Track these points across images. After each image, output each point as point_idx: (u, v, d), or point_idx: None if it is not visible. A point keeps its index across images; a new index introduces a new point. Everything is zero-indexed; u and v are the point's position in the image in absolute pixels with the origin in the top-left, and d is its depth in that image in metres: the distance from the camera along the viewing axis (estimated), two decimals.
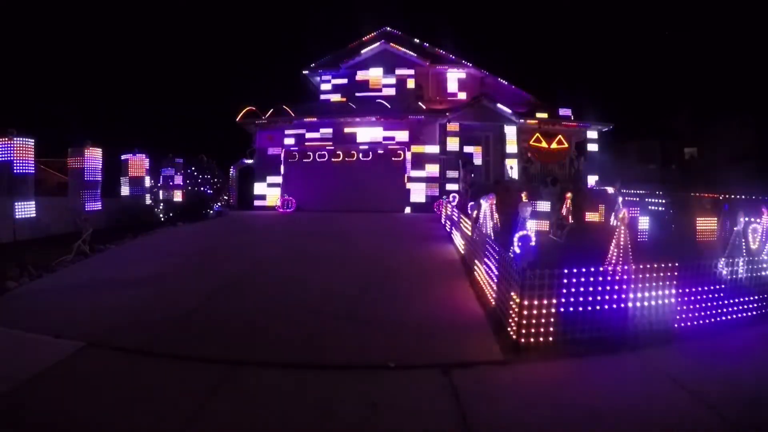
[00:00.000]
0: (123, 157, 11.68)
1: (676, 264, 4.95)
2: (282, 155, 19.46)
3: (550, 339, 4.51)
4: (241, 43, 51.87)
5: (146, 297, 6.20)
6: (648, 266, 4.87)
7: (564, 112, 19.54)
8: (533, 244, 6.93)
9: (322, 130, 19.13)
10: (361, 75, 20.92)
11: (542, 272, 4.50)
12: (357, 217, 15.46)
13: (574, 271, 4.60)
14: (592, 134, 19.82)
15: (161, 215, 14.38)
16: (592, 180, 19.08)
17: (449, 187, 17.97)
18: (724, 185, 14.38)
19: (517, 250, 6.66)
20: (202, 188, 15.71)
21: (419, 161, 18.69)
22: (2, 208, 7.78)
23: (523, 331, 4.46)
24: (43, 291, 6.49)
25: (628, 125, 26.41)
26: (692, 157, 28.71)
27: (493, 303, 5.57)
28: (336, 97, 20.97)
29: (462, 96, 20.70)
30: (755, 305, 5.50)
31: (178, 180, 14.74)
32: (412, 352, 4.47)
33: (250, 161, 20.17)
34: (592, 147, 19.75)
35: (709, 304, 5.16)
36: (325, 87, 21.43)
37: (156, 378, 3.94)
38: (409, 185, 18.71)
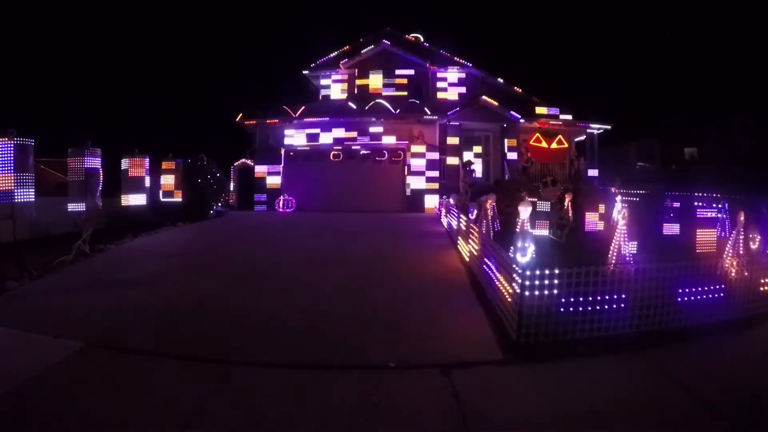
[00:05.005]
0: (123, 157, 11.67)
1: (675, 263, 4.95)
2: (282, 155, 19.46)
3: (550, 338, 4.50)
4: (242, 43, 51.91)
5: (146, 297, 6.20)
6: (647, 266, 4.87)
7: (564, 111, 19.53)
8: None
9: (322, 130, 19.13)
10: (361, 75, 20.94)
11: (542, 272, 4.50)
12: (357, 218, 15.45)
13: (575, 270, 4.60)
14: (592, 134, 19.83)
15: (161, 215, 14.37)
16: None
17: (449, 187, 17.99)
18: (724, 185, 14.34)
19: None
20: (202, 188, 15.70)
21: (419, 161, 18.71)
22: (2, 208, 7.77)
23: (523, 330, 4.46)
24: (43, 291, 6.48)
25: (628, 125, 26.44)
26: (692, 157, 28.71)
27: (493, 302, 5.57)
28: (336, 97, 20.98)
29: (462, 96, 20.70)
30: (754, 305, 5.49)
31: (178, 180, 14.74)
32: (413, 351, 4.47)
33: (250, 161, 20.18)
34: (592, 147, 19.76)
35: (708, 304, 5.16)
36: (325, 87, 21.45)
37: (156, 378, 3.93)
38: (408, 185, 18.71)
